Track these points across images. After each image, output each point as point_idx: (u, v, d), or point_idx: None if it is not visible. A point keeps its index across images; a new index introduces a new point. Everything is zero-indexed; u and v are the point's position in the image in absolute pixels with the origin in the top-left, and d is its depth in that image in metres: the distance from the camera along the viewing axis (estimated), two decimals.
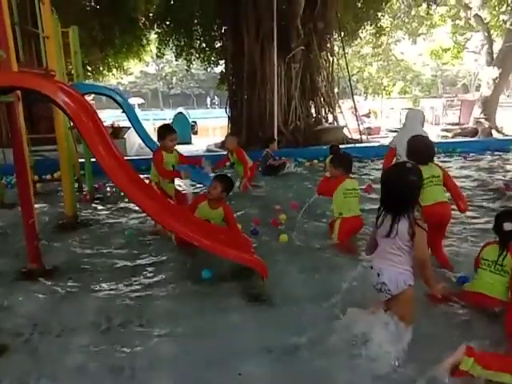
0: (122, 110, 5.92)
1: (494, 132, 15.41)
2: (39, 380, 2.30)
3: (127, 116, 5.96)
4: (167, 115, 27.17)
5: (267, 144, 8.49)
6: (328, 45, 13.24)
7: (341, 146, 9.14)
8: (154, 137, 7.99)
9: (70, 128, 4.80)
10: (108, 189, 6.93)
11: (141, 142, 6.77)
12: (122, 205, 5.86)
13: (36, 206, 4.44)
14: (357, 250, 4.04)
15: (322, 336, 2.60)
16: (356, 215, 4.27)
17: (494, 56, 16.00)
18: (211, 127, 20.54)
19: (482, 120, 15.66)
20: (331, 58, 13.36)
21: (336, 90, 13.94)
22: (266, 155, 8.21)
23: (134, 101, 35.92)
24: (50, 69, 4.32)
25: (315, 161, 9.20)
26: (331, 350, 2.47)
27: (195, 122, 17.29)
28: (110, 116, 22.90)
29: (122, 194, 4.77)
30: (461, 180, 6.85)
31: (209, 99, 45.24)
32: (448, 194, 3.72)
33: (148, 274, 3.61)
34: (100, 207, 5.95)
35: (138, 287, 3.37)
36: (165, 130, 4.82)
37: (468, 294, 3.01)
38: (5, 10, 3.09)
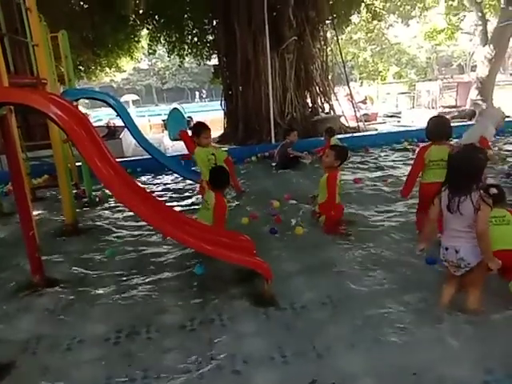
0: (116, 114, 5.87)
1: None
2: None
3: (121, 119, 5.90)
4: (162, 111, 27.07)
5: (285, 135, 8.16)
6: (321, 33, 13.13)
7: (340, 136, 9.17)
8: (149, 135, 7.87)
9: (64, 141, 4.77)
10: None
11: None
12: (120, 208, 5.81)
13: (35, 212, 4.42)
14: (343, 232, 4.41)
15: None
16: (339, 204, 4.57)
17: (489, 36, 15.86)
18: (210, 120, 20.41)
19: (479, 101, 15.57)
20: (325, 47, 13.25)
21: (330, 77, 13.80)
22: (284, 146, 7.89)
23: (129, 98, 35.64)
24: (42, 77, 4.26)
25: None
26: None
27: (191, 118, 17.18)
28: (105, 114, 22.80)
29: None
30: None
31: (197, 93, 45.40)
32: None
33: (152, 282, 3.58)
34: (98, 212, 5.91)
35: (142, 296, 3.35)
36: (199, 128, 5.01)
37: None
38: None
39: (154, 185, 7.68)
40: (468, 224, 2.63)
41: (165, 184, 7.66)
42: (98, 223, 5.36)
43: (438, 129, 3.90)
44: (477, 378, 2.23)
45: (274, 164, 8.18)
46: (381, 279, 3.37)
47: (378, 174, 7.06)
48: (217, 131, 14.70)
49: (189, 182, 6.96)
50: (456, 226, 2.69)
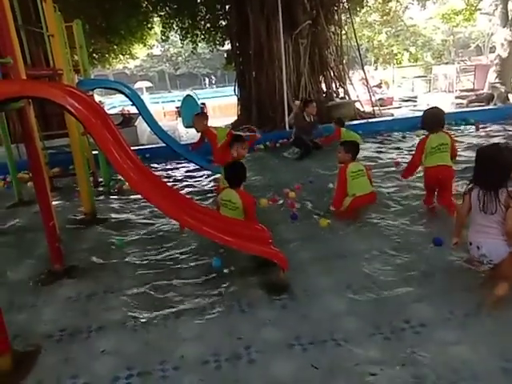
0: (131, 103, 5.87)
1: (510, 96, 14.98)
2: None
3: (137, 108, 5.90)
4: (176, 97, 27.08)
5: (304, 106, 7.91)
6: (335, 16, 12.89)
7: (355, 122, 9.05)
8: (162, 122, 7.77)
9: (82, 134, 4.81)
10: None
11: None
12: (137, 197, 5.84)
13: (54, 202, 4.50)
14: (358, 217, 4.44)
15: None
16: (368, 192, 4.54)
17: (510, 16, 15.39)
18: (217, 106, 20.36)
19: (498, 85, 15.20)
20: (339, 31, 13.02)
21: (345, 61, 13.57)
22: (301, 124, 7.68)
23: (142, 84, 35.73)
24: (57, 68, 4.29)
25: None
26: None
27: (204, 104, 17.17)
28: (119, 102, 22.89)
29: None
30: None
31: (207, 80, 45.46)
32: None
33: (169, 271, 3.63)
34: (116, 201, 5.97)
35: (161, 284, 3.40)
36: (235, 139, 5.01)
37: None
38: (8, 14, 3.05)
39: (167, 172, 7.73)
40: (495, 220, 2.65)
41: (177, 172, 7.70)
42: (116, 212, 5.42)
43: (434, 119, 4.31)
44: (494, 366, 2.24)
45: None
46: (398, 267, 3.37)
47: (391, 159, 7.02)
48: (230, 117, 14.70)
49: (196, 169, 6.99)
50: (482, 221, 2.72)
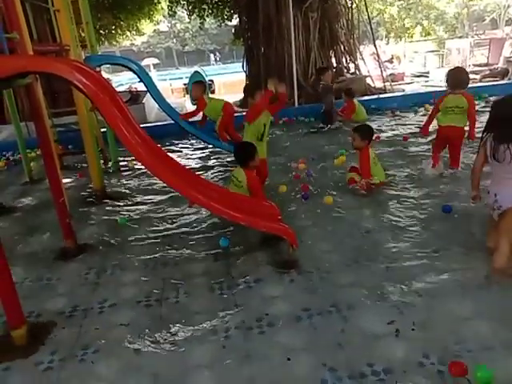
0: (139, 79, 5.82)
1: None
2: (86, 355, 2.42)
3: (144, 84, 5.85)
4: (183, 74, 26.80)
5: (319, 76, 7.83)
6: None
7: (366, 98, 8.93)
8: (170, 99, 7.67)
9: (90, 109, 4.78)
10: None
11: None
12: (146, 174, 5.86)
13: (64, 180, 4.53)
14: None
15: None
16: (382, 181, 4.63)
17: None
18: (223, 83, 20.12)
19: None
20: (350, 4, 12.68)
21: (355, 36, 13.25)
22: (325, 93, 7.55)
23: (149, 61, 35.36)
24: (64, 43, 4.24)
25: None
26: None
27: (212, 81, 16.98)
28: (127, 79, 22.73)
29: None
30: None
31: (213, 56, 44.73)
32: None
33: (178, 248, 3.66)
34: (124, 178, 6.00)
35: (171, 261, 3.44)
36: (253, 88, 4.76)
37: None
38: None
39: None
40: None
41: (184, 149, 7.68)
42: (125, 189, 5.45)
43: (454, 79, 4.46)
44: (504, 337, 2.24)
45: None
46: (407, 240, 3.39)
47: (401, 133, 6.94)
48: (238, 94, 14.52)
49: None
50: (501, 173, 2.80)
